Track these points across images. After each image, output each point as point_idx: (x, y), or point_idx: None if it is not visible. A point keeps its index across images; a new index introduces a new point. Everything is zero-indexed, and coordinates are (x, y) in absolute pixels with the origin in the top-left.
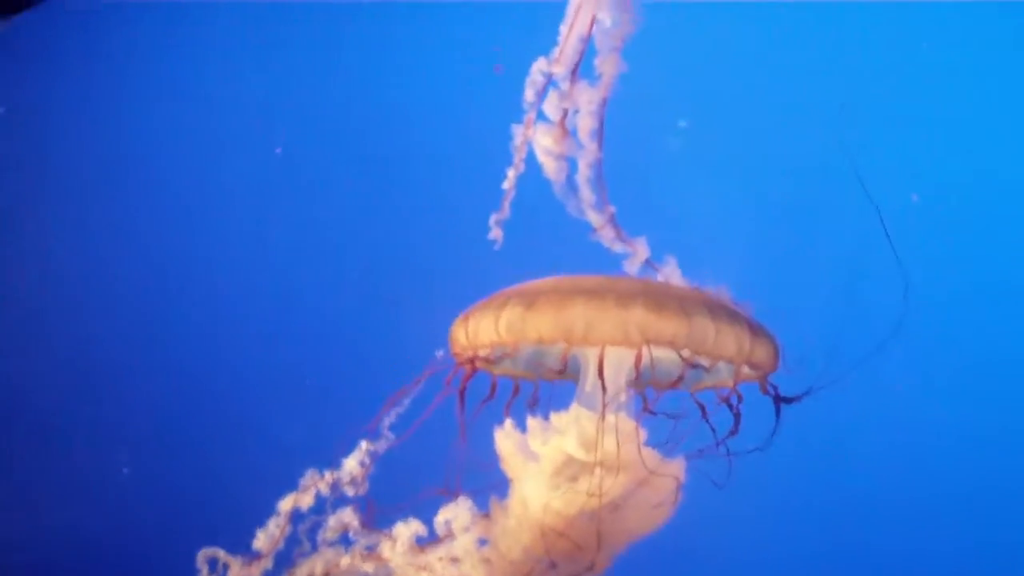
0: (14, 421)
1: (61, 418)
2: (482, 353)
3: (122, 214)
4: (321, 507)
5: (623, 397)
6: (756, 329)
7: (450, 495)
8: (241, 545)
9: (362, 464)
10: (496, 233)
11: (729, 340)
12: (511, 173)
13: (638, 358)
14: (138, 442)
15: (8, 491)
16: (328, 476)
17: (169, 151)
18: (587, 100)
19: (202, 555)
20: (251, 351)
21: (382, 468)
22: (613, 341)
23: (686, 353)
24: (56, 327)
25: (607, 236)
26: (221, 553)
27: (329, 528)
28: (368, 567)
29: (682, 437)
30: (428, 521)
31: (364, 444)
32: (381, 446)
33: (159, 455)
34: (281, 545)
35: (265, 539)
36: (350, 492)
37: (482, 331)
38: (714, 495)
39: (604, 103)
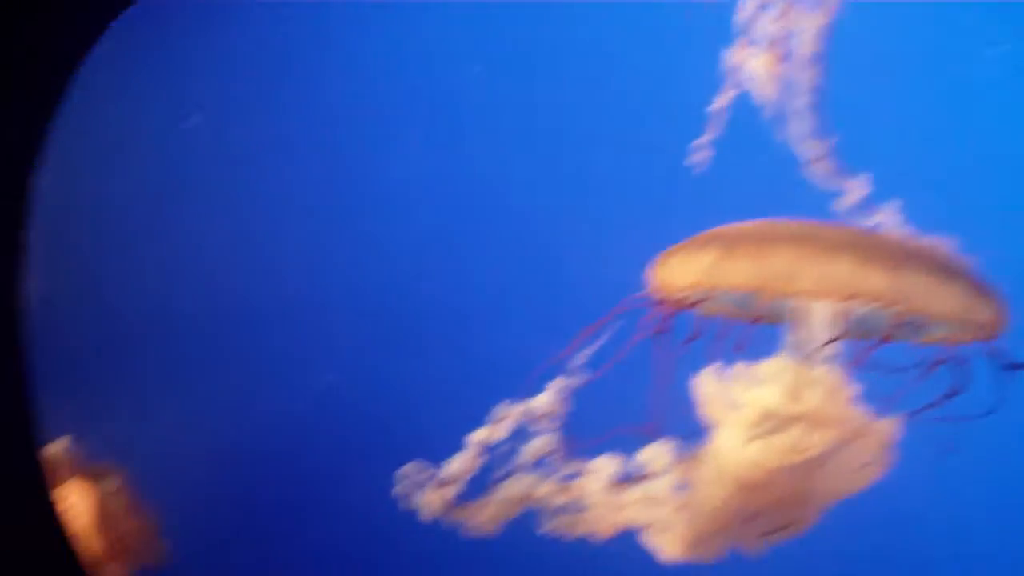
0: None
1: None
2: (681, 295)
3: None
4: (517, 437)
5: (832, 348)
6: (978, 287)
7: (650, 435)
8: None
9: (558, 398)
10: (700, 157)
11: (943, 299)
12: (721, 98)
13: (842, 312)
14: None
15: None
16: (523, 408)
17: None
18: (808, 23)
19: (401, 472)
20: (451, 277)
21: (580, 403)
22: (815, 294)
23: (895, 310)
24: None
25: (821, 171)
26: (418, 470)
27: (527, 454)
28: (564, 498)
29: (898, 394)
30: (627, 458)
31: (560, 379)
32: (578, 381)
33: (355, 376)
34: (475, 471)
35: (457, 466)
36: (545, 425)
37: (679, 273)
38: (929, 460)
39: (826, 27)
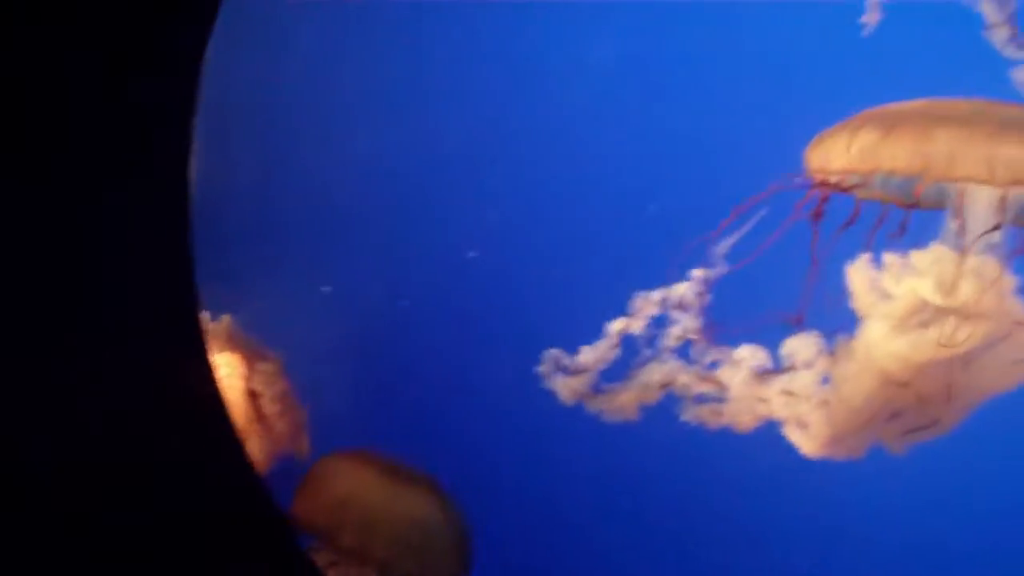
0: None
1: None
2: (835, 179)
3: None
4: (660, 323)
5: (993, 237)
6: None
7: (796, 325)
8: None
9: (704, 284)
10: (871, 18)
11: None
12: None
13: (1005, 201)
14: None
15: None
16: (667, 294)
17: None
18: None
19: (543, 356)
20: (592, 161)
21: (727, 289)
22: (977, 178)
23: None
24: None
25: (1001, 36)
26: (558, 355)
27: (670, 340)
28: (706, 387)
29: None
30: (770, 348)
31: (706, 264)
32: (725, 267)
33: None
34: (614, 359)
35: (596, 353)
36: (689, 312)
37: (834, 155)
38: None
39: None
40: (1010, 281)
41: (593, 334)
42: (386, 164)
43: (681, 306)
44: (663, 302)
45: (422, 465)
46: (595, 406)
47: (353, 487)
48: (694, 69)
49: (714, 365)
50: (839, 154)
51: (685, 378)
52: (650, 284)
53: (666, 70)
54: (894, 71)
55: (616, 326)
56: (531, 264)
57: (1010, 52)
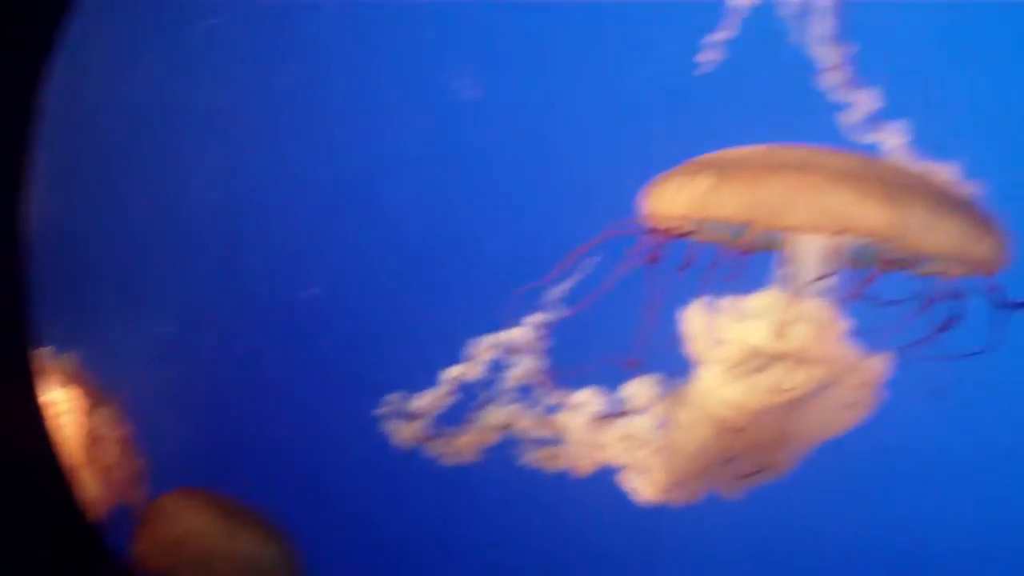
0: None
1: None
2: (670, 224)
3: None
4: (498, 367)
5: (824, 283)
6: (980, 222)
7: (633, 370)
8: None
9: (540, 329)
10: (709, 56)
11: (942, 236)
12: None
13: (836, 247)
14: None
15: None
16: (503, 339)
17: None
18: None
19: (385, 400)
20: (432, 203)
21: (564, 334)
22: (807, 227)
23: (891, 246)
24: None
25: (835, 80)
26: (395, 400)
27: (508, 383)
28: (544, 431)
29: (890, 330)
30: (609, 392)
31: (542, 309)
32: (561, 312)
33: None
34: (451, 402)
35: (433, 397)
36: (526, 357)
37: (668, 201)
38: (919, 401)
39: None
40: (842, 325)
41: (430, 380)
42: (225, 205)
43: (518, 350)
44: (500, 347)
45: (261, 506)
46: (434, 449)
47: (191, 526)
48: (531, 113)
49: (553, 409)
50: (673, 201)
51: (524, 421)
52: (488, 329)
53: (501, 113)
54: (731, 115)
55: (452, 372)
56: (373, 305)
57: (841, 96)
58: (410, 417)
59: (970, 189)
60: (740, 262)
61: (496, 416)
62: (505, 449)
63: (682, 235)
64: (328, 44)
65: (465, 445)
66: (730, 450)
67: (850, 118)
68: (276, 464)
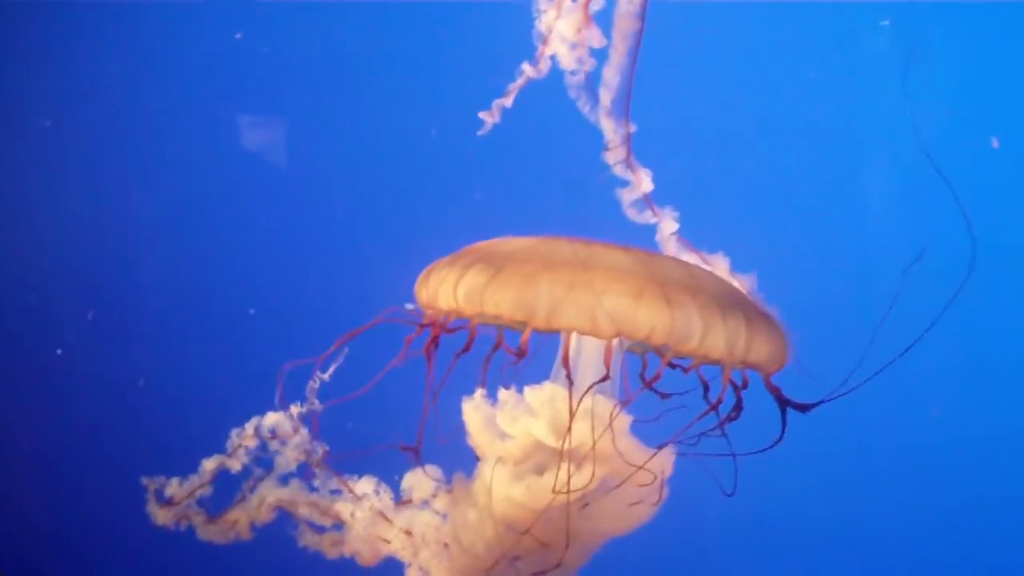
0: None
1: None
2: (446, 313)
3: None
4: (269, 451)
5: (604, 378)
6: (757, 323)
7: (412, 457)
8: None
9: (310, 414)
10: (489, 121)
11: (718, 340)
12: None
13: (608, 351)
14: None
15: None
16: (274, 422)
17: None
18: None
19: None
20: (198, 282)
21: (339, 420)
22: (580, 329)
23: (666, 350)
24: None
25: (616, 157)
26: (158, 482)
27: (285, 461)
28: (325, 519)
29: (672, 419)
30: (390, 483)
31: (310, 395)
32: (336, 397)
33: (83, 396)
34: (207, 493)
35: (187, 487)
36: (298, 442)
37: (441, 295)
38: (705, 494)
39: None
40: (624, 421)
41: (191, 469)
42: None
43: (289, 435)
44: (269, 431)
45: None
46: (204, 534)
47: None
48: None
49: (334, 493)
50: (446, 295)
51: (301, 503)
52: (258, 412)
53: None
54: (499, 195)
55: (211, 463)
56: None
57: (621, 173)
58: (169, 501)
59: (746, 284)
60: (520, 353)
61: (270, 494)
62: (284, 529)
63: (459, 324)
64: None
65: (237, 521)
66: (516, 549)
67: (628, 196)
68: (45, 544)
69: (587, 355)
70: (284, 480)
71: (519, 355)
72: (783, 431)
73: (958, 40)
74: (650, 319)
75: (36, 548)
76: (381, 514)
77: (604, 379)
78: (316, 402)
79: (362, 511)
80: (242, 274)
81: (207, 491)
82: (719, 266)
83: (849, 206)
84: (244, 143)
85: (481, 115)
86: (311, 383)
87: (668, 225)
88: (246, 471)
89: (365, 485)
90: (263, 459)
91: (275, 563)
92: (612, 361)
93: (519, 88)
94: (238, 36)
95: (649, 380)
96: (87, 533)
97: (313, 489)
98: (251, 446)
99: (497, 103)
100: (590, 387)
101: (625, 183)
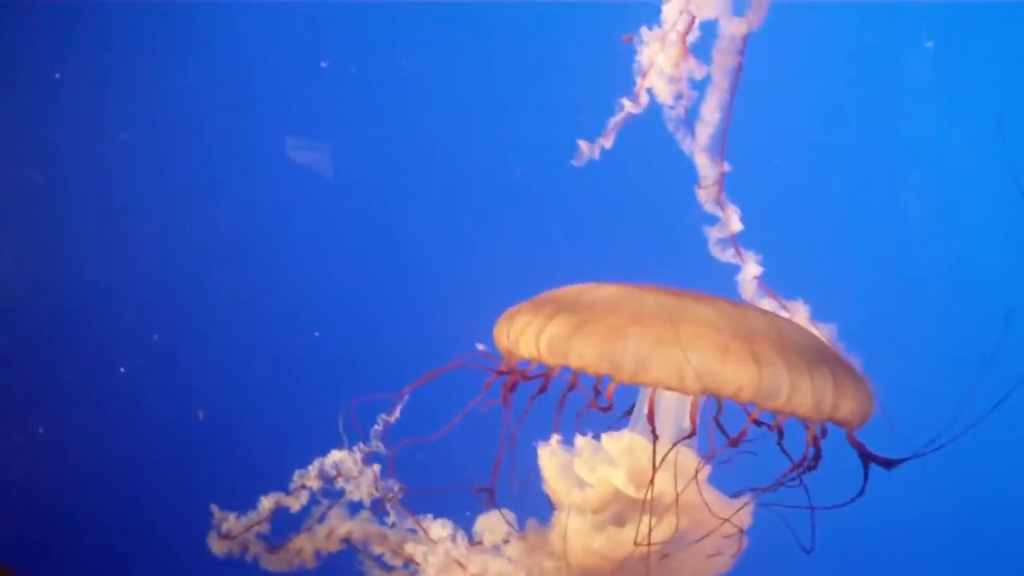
0: None
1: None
2: (525, 360)
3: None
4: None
5: (685, 431)
6: (843, 379)
7: (489, 502)
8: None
9: (385, 454)
10: (586, 151)
11: (805, 397)
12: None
13: (694, 406)
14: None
15: None
16: (344, 461)
17: None
18: (732, 30)
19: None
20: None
21: (414, 462)
22: (666, 385)
23: (752, 408)
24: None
25: (708, 195)
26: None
27: (359, 492)
28: (396, 559)
29: (743, 463)
30: (463, 526)
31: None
32: (411, 439)
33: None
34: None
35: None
36: (371, 482)
37: (523, 343)
38: (782, 545)
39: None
40: (704, 471)
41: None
42: None
43: (349, 474)
44: (331, 470)
45: None
46: (267, 563)
47: None
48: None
49: (405, 534)
50: (528, 343)
51: (374, 539)
52: (331, 448)
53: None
54: (588, 237)
55: (268, 501)
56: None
57: (712, 210)
58: (229, 534)
59: (827, 333)
60: (600, 402)
61: (340, 525)
62: (350, 562)
63: (538, 373)
64: None
65: (302, 549)
66: None
67: (715, 234)
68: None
69: (669, 409)
70: (354, 512)
71: (604, 410)
72: (865, 484)
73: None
74: (737, 377)
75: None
76: (453, 559)
77: (690, 435)
78: (380, 444)
79: (435, 555)
80: (310, 305)
81: (264, 528)
82: (799, 313)
83: (942, 250)
84: (323, 169)
85: (581, 144)
86: (380, 422)
87: (751, 268)
88: (315, 500)
89: (441, 529)
90: (331, 492)
91: None
92: (695, 414)
93: (620, 124)
94: (324, 64)
95: (735, 438)
96: (138, 559)
97: (385, 525)
98: (314, 488)
99: (598, 141)
100: (676, 443)
101: (714, 220)
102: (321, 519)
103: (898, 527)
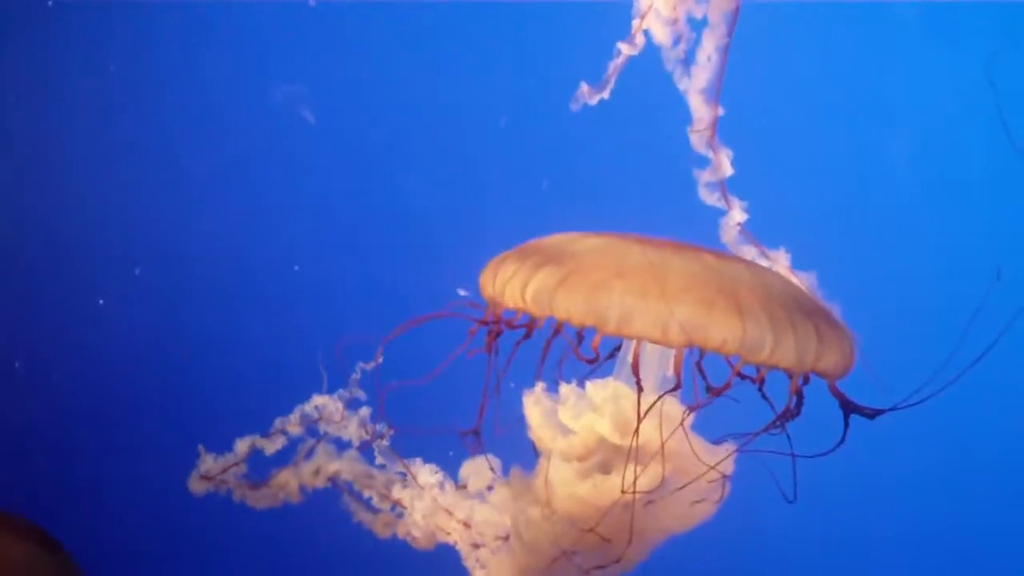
0: None
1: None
2: (510, 309)
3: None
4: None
5: (669, 381)
6: (826, 331)
7: (472, 449)
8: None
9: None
10: (586, 94)
11: (789, 350)
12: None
13: (678, 359)
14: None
15: None
16: (331, 405)
17: None
18: None
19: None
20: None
21: (399, 407)
22: (650, 338)
23: (736, 360)
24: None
25: (701, 138)
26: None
27: (348, 433)
28: (383, 503)
29: (725, 411)
30: (448, 470)
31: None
32: (396, 384)
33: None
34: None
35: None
36: (356, 426)
37: (508, 293)
38: (763, 491)
39: None
40: (688, 419)
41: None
42: None
43: (331, 418)
44: (314, 414)
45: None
46: (253, 500)
47: None
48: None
49: (398, 474)
50: (513, 294)
51: (360, 479)
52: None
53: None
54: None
55: (244, 444)
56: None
57: (704, 152)
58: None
59: (806, 282)
60: (585, 352)
61: (327, 464)
62: (335, 501)
63: (523, 321)
64: None
65: (287, 484)
66: (576, 544)
67: (704, 177)
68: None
69: (654, 359)
70: (341, 451)
71: (590, 361)
72: (845, 434)
73: None
74: (722, 330)
75: (73, 513)
76: (439, 503)
77: (675, 388)
78: (359, 389)
79: (423, 500)
80: (297, 246)
81: (243, 469)
82: (780, 262)
83: (929, 202)
84: (308, 109)
85: (582, 87)
86: (362, 367)
87: (736, 215)
88: (301, 439)
89: (430, 475)
90: (316, 435)
91: (323, 537)
92: (680, 365)
93: (619, 68)
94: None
95: (718, 389)
96: (124, 501)
97: (370, 469)
98: (294, 432)
99: (597, 86)
100: (661, 396)
101: (704, 163)
102: (309, 455)
103: (880, 477)
